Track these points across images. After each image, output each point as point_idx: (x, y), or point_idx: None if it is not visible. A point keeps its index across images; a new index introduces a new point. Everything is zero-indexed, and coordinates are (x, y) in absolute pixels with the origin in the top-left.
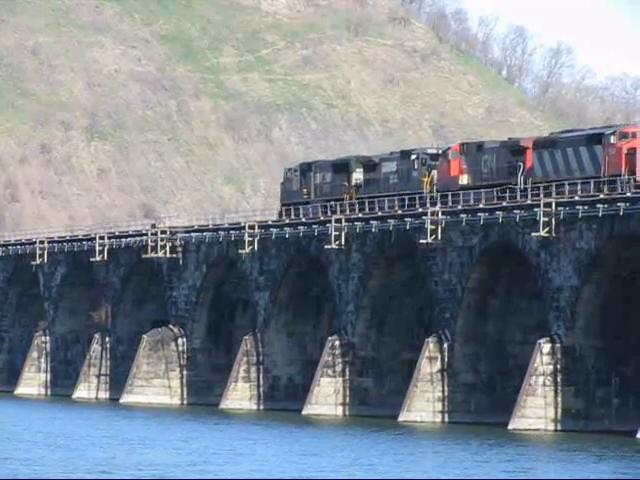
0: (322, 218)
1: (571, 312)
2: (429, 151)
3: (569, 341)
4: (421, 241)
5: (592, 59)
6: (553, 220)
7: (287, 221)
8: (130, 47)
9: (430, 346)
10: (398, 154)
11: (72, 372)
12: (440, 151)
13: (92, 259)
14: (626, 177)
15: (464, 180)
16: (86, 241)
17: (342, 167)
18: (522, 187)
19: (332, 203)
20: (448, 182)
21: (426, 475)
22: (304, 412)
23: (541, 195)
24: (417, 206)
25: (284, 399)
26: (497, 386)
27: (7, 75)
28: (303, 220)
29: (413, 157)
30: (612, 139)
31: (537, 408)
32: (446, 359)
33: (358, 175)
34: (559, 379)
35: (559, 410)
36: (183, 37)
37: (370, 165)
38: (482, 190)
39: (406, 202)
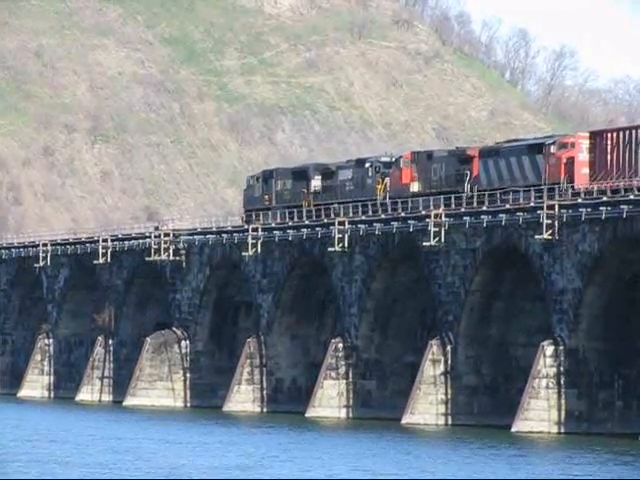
0: (325, 220)
1: (574, 314)
2: (383, 159)
3: (572, 343)
4: (424, 244)
5: (595, 62)
6: (556, 222)
7: (290, 223)
8: (133, 50)
9: (433, 348)
10: (354, 162)
11: (75, 375)
12: (393, 159)
13: (95, 262)
14: (565, 185)
15: (415, 187)
16: (89, 244)
17: (301, 175)
18: (469, 194)
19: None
20: (400, 189)
21: (428, 476)
22: (307, 414)
23: (544, 197)
24: (379, 212)
25: (287, 401)
26: (500, 388)
27: (10, 77)
28: (306, 222)
29: (367, 165)
30: (552, 149)
31: (540, 410)
32: (449, 361)
33: (316, 182)
34: (562, 381)
35: (562, 412)
36: (186, 40)
37: (328, 173)
38: (433, 197)
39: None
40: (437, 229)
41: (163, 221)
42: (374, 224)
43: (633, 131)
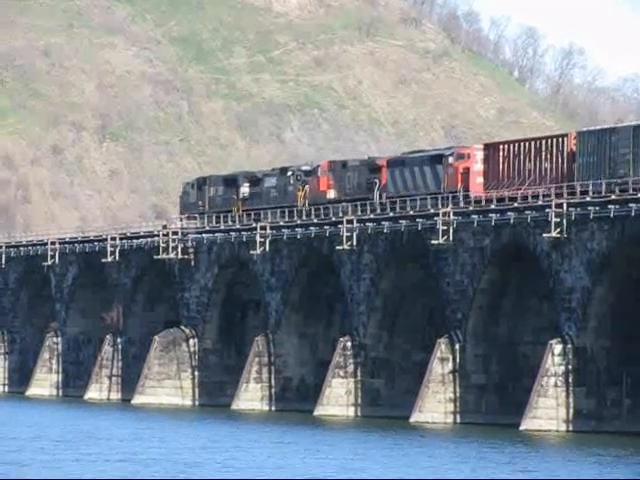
0: (334, 219)
1: (582, 313)
2: (303, 168)
3: (580, 342)
4: (433, 242)
5: (604, 60)
6: (564, 221)
7: (299, 222)
8: (142, 48)
9: (442, 347)
10: (278, 170)
11: (83, 373)
12: (312, 168)
13: (103, 260)
14: (461, 193)
15: (331, 194)
16: (97, 242)
17: (231, 182)
18: (378, 201)
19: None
20: (318, 196)
21: (436, 475)
22: (315, 413)
23: (552, 196)
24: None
25: (296, 400)
26: (508, 387)
27: (19, 76)
28: (315, 221)
29: (289, 173)
30: (450, 159)
31: (548, 409)
32: (457, 360)
33: (245, 189)
34: (570, 380)
35: (570, 411)
36: (195, 38)
37: (255, 180)
38: (347, 204)
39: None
40: (445, 227)
41: (171, 219)
42: (382, 222)
43: (522, 143)
